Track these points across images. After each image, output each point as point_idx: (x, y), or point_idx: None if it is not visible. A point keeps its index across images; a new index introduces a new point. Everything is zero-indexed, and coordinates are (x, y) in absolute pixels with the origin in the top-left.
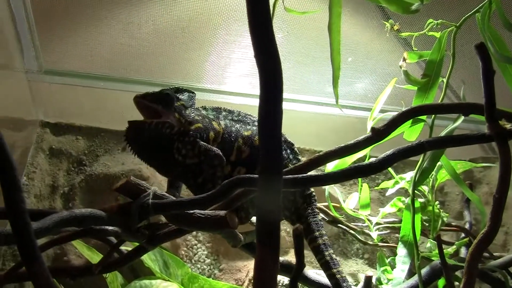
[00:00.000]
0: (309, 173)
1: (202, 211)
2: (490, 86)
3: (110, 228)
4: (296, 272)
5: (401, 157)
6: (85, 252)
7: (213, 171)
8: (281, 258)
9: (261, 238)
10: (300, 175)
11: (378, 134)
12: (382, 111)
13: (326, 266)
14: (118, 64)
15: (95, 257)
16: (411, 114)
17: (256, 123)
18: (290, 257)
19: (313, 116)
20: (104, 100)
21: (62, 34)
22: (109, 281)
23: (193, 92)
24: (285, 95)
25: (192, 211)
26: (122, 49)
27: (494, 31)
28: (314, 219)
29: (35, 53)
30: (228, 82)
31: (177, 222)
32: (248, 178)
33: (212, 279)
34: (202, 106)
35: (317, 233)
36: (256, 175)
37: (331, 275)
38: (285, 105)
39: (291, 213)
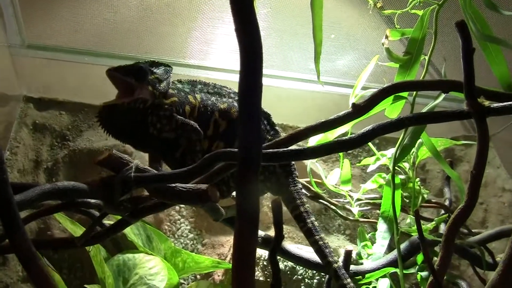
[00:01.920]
0: (290, 148)
1: (183, 185)
2: (470, 64)
3: (93, 201)
4: (275, 243)
5: (381, 132)
6: (69, 226)
7: (192, 145)
8: (262, 232)
9: (241, 214)
10: (281, 149)
11: (359, 109)
12: (364, 88)
13: (309, 233)
14: (102, 39)
15: (79, 231)
16: (391, 91)
17: (231, 95)
18: (272, 232)
19: (296, 92)
20: (87, 76)
21: (46, 8)
22: (92, 254)
23: (169, 66)
24: (267, 71)
25: (174, 185)
26: (107, 24)
27: (475, 10)
28: (295, 187)
29: (18, 28)
30: (212, 57)
31: (159, 195)
32: (229, 152)
33: (195, 253)
34: (178, 80)
35: (298, 201)
36: (236, 149)
37: (313, 242)
38: (267, 82)
39: (272, 184)
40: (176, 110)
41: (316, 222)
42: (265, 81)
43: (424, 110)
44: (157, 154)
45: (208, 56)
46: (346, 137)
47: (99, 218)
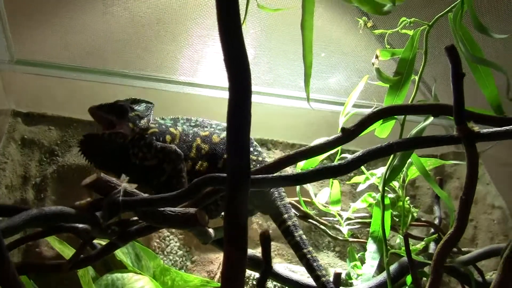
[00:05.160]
0: (279, 174)
1: (172, 209)
2: (459, 89)
3: (80, 226)
4: (262, 275)
5: (370, 158)
6: (56, 246)
7: (173, 166)
8: (251, 252)
9: (229, 240)
10: (270, 175)
11: (348, 134)
12: (355, 105)
13: (297, 247)
14: (91, 54)
15: (66, 251)
16: (380, 116)
17: (213, 125)
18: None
19: (287, 109)
20: (77, 91)
21: (35, 24)
22: (81, 274)
23: (150, 103)
24: (259, 88)
25: (162, 209)
26: (96, 39)
27: (466, 31)
28: (282, 202)
29: (7, 43)
30: (202, 75)
31: (147, 219)
32: (218, 177)
33: (184, 270)
34: (161, 117)
35: (286, 216)
36: (225, 174)
37: (301, 256)
38: (259, 99)
39: (259, 201)
40: (156, 138)
41: (304, 236)
42: (256, 98)
43: (414, 130)
44: (143, 183)
45: (198, 74)
46: (335, 164)
47: (86, 243)
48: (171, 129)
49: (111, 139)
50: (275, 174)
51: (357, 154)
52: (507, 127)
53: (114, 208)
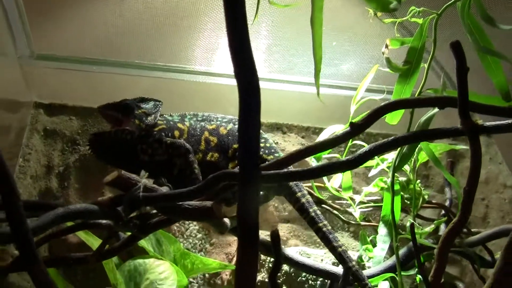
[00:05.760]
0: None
1: (190, 202)
2: (464, 84)
3: (104, 221)
4: (273, 271)
5: (377, 153)
6: (82, 236)
7: (184, 158)
8: (263, 237)
9: (242, 239)
10: (281, 171)
11: (357, 128)
12: (367, 90)
13: (312, 221)
14: (109, 47)
15: (91, 239)
16: (386, 110)
17: (219, 119)
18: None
19: (301, 94)
20: (96, 82)
21: (52, 19)
22: (105, 262)
23: (159, 101)
24: (274, 75)
25: (180, 203)
26: (114, 32)
27: (474, 20)
28: (294, 182)
29: (27, 40)
30: (216, 64)
31: (166, 212)
32: (230, 173)
33: (203, 253)
34: (169, 114)
35: (299, 194)
36: (236, 171)
37: (317, 229)
38: (274, 85)
39: (273, 188)
40: (165, 134)
41: (319, 211)
42: (271, 85)
43: (422, 119)
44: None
45: (212, 63)
46: (344, 159)
47: (109, 237)
48: (179, 125)
49: (117, 136)
50: (286, 170)
51: (364, 148)
52: (510, 120)
53: (135, 203)
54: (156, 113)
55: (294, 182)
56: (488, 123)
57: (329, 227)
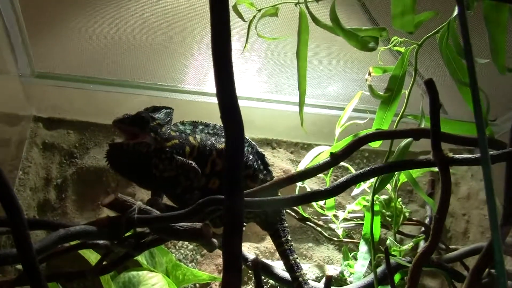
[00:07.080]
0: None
1: (181, 224)
2: (436, 118)
3: (101, 242)
4: None
5: (353, 183)
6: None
7: (190, 182)
8: (250, 256)
9: (226, 266)
10: (265, 198)
11: (336, 158)
12: (353, 110)
13: (291, 269)
14: (105, 66)
15: (87, 253)
16: (364, 142)
17: None
18: (266, 243)
19: (289, 113)
20: (93, 98)
21: (53, 39)
22: None
23: (170, 108)
24: (264, 95)
25: (172, 224)
26: (110, 52)
27: (452, 51)
28: (282, 225)
29: (28, 59)
30: (209, 83)
31: (159, 233)
32: (218, 199)
33: (195, 263)
34: (181, 121)
35: (283, 239)
36: (222, 196)
37: (294, 278)
38: (264, 105)
39: (261, 221)
40: (176, 151)
41: (298, 259)
42: (261, 104)
43: (402, 144)
44: (160, 191)
45: (206, 83)
46: (322, 189)
47: (105, 255)
48: (190, 138)
49: (135, 149)
50: (269, 198)
51: (341, 179)
52: (477, 155)
53: (130, 224)
54: (169, 122)
55: (281, 227)
56: (457, 156)
57: (305, 277)
